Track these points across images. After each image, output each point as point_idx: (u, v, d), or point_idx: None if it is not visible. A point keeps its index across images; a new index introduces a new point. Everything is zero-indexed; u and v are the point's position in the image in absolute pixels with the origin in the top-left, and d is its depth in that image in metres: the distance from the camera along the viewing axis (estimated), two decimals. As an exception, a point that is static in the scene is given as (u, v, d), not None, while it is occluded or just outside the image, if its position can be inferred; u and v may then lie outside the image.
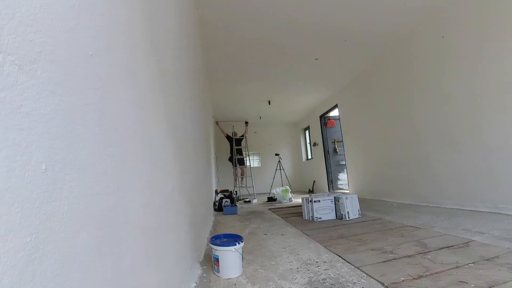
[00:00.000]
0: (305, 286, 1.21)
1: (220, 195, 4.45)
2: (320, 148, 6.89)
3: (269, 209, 4.17)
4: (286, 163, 8.96)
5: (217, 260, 1.39)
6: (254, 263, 1.57)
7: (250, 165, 7.02)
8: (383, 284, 1.16)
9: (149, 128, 0.80)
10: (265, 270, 1.44)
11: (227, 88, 5.30)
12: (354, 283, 1.20)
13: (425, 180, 3.46)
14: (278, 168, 7.36)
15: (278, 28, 3.26)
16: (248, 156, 7.08)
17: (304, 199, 3.08)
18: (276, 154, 7.57)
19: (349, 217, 2.79)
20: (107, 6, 0.55)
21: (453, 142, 3.02)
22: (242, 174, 6.94)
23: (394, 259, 1.47)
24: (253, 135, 8.76)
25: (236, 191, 5.49)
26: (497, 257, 1.37)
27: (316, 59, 4.18)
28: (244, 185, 6.67)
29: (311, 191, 7.42)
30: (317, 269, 1.40)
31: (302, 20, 3.11)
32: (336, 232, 2.25)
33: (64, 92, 0.38)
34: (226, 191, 4.67)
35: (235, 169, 6.70)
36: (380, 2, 2.86)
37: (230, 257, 1.38)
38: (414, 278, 1.19)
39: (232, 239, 1.52)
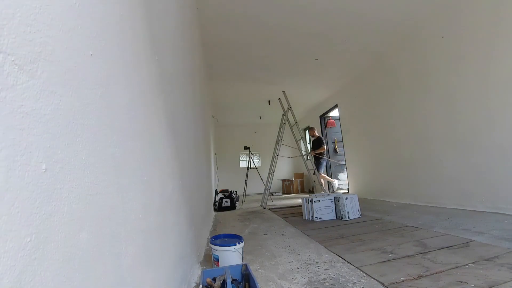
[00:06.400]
0: (305, 286, 1.21)
1: (220, 195, 4.45)
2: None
3: (269, 209, 4.17)
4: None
5: (217, 260, 1.39)
6: (254, 263, 1.57)
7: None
8: (383, 284, 1.16)
9: (149, 128, 0.80)
10: (265, 270, 1.44)
11: (228, 88, 5.30)
12: (354, 283, 1.20)
13: (425, 180, 3.45)
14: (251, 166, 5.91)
15: (278, 28, 3.26)
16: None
17: (304, 199, 3.08)
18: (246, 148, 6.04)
19: (349, 217, 2.79)
20: (107, 6, 0.55)
21: (453, 142, 3.02)
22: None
23: (394, 259, 1.47)
24: (253, 135, 8.77)
25: (236, 191, 5.08)
26: (497, 257, 1.37)
27: (316, 59, 4.18)
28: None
29: (311, 192, 7.42)
30: (317, 269, 1.40)
31: (302, 20, 3.11)
32: (336, 232, 2.24)
33: (64, 92, 0.38)
34: (226, 191, 4.67)
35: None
36: (380, 2, 2.85)
37: (230, 257, 1.38)
38: (414, 278, 1.19)
39: (232, 239, 1.52)
